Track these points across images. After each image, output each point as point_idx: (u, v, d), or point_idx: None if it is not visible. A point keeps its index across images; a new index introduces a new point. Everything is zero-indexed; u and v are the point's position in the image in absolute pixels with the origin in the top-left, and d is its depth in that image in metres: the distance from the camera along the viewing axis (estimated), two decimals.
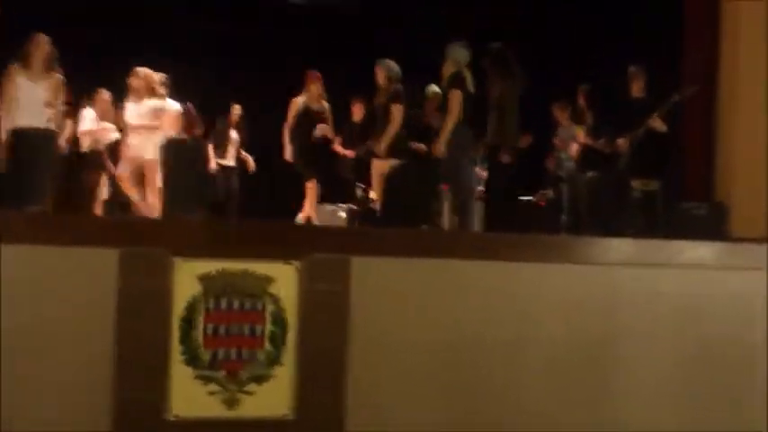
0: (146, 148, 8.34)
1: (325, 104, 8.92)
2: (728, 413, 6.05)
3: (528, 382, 5.83)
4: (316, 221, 8.10)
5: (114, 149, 9.18)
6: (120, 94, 8.96)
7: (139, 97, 8.49)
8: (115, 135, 9.12)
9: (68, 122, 8.99)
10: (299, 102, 8.85)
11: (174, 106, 8.73)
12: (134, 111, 8.49)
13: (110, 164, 9.14)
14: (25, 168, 6.64)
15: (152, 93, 8.48)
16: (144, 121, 8.44)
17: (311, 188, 8.67)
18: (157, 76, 8.57)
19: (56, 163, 7.60)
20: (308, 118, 8.79)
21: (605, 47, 9.64)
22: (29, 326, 5.22)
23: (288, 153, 8.87)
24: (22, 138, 6.90)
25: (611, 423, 5.89)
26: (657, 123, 7.78)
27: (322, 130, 8.80)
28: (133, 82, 8.50)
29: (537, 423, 5.80)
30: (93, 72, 9.34)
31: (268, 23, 10.82)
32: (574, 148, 8.83)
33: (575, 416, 5.87)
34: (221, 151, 9.84)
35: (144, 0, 10.60)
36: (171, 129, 8.68)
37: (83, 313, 5.29)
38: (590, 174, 8.09)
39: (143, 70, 8.54)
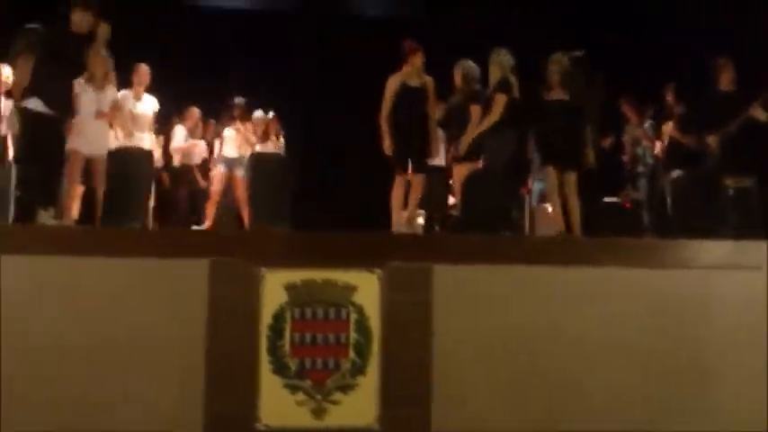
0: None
1: (427, 79, 7.75)
2: None
3: (616, 388, 5.76)
4: (416, 222, 8.02)
5: (204, 165, 9.52)
6: (208, 112, 9.36)
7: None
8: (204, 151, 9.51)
9: (160, 139, 9.35)
10: (395, 81, 7.68)
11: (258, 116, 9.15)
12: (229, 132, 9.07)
13: (200, 179, 9.46)
14: (123, 186, 6.91)
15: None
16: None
17: (416, 181, 7.68)
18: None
19: (151, 180, 7.89)
20: (409, 97, 7.65)
21: (685, 40, 9.43)
22: (123, 337, 5.46)
23: (386, 144, 7.61)
24: (119, 157, 7.18)
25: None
26: (758, 113, 7.51)
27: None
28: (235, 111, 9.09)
29: (627, 430, 5.72)
30: (184, 90, 9.67)
31: (340, 35, 10.91)
32: (657, 146, 8.68)
33: (667, 422, 5.76)
34: None
35: (231, 22, 10.88)
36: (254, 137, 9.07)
37: (174, 323, 5.50)
38: (676, 172, 7.92)
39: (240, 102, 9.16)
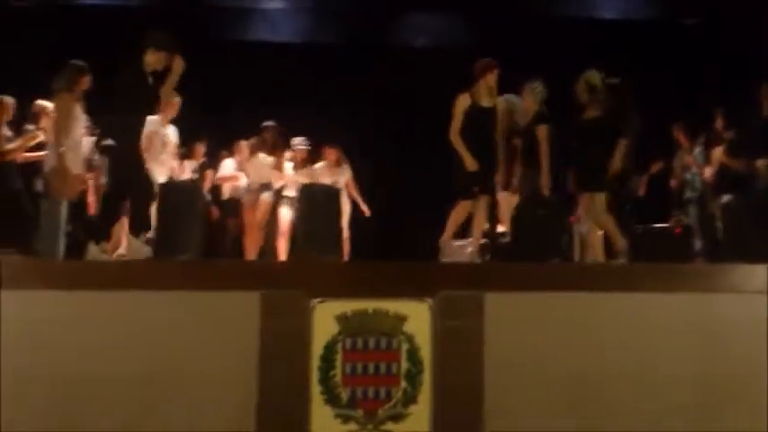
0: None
1: (498, 99, 7.53)
2: None
3: (667, 418, 5.69)
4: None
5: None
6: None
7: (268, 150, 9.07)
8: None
9: (210, 172, 9.48)
10: (465, 100, 7.34)
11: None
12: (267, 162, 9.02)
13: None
14: (174, 218, 7.01)
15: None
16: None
17: (483, 205, 7.39)
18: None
19: (201, 212, 7.99)
20: (479, 118, 7.34)
21: (735, 66, 9.40)
22: (175, 370, 5.54)
23: (468, 161, 7.22)
24: (169, 189, 7.30)
25: None
26: None
27: None
28: (266, 136, 9.00)
29: None
30: (228, 123, 9.82)
31: (387, 65, 10.99)
32: (706, 171, 8.61)
33: None
34: None
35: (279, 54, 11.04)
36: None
37: (226, 356, 5.56)
38: (726, 197, 7.84)
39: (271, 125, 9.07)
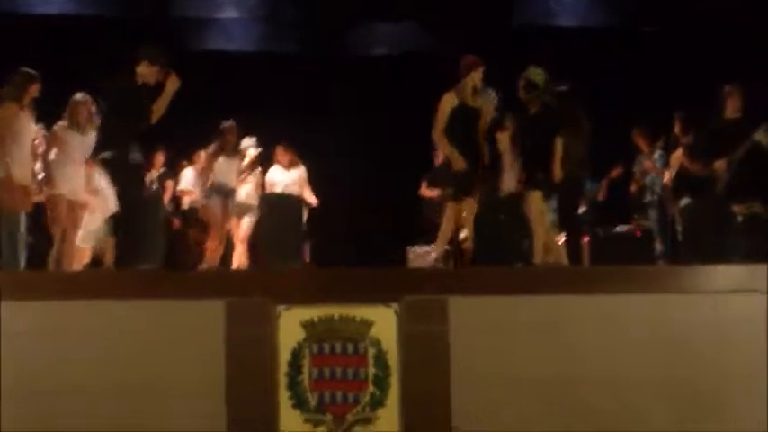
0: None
1: (485, 97, 7.38)
2: None
3: (630, 414, 5.72)
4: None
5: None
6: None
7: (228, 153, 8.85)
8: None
9: (169, 183, 9.41)
10: (451, 99, 7.19)
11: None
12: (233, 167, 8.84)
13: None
14: (136, 229, 6.94)
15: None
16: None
17: (470, 206, 7.29)
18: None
19: (162, 222, 7.94)
20: (466, 118, 7.21)
21: (690, 72, 9.56)
22: (140, 379, 5.49)
23: (456, 159, 7.14)
24: (130, 201, 7.23)
25: None
26: (763, 138, 7.55)
27: None
28: (228, 137, 8.80)
29: None
30: (186, 133, 9.73)
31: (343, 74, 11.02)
32: (666, 175, 8.74)
33: None
34: None
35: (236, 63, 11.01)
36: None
37: (192, 364, 5.53)
38: (685, 200, 7.96)
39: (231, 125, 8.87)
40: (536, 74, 7.25)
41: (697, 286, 5.97)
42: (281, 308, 5.64)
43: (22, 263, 6.92)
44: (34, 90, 6.94)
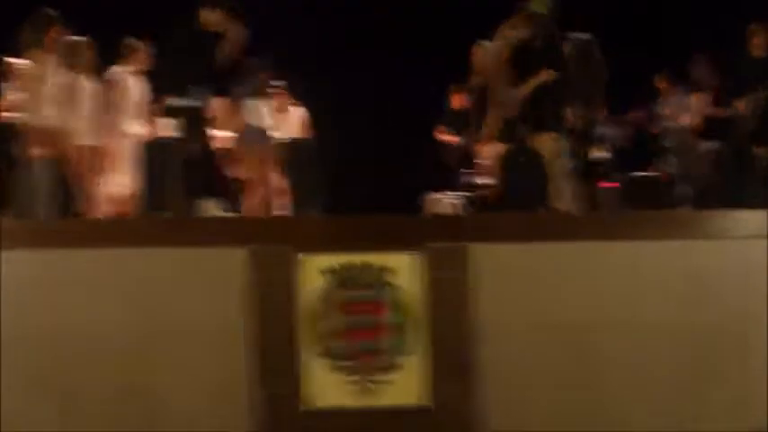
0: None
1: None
2: None
3: (655, 366, 5.75)
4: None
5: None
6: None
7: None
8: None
9: None
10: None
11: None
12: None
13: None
14: (154, 176, 6.96)
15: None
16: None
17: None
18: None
19: (181, 168, 7.89)
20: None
21: (713, 9, 9.38)
22: (166, 328, 5.54)
23: None
24: (153, 146, 7.22)
25: (742, 411, 5.70)
26: None
27: None
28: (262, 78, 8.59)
29: (662, 406, 5.70)
30: None
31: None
32: (686, 119, 8.63)
33: (711, 395, 5.75)
34: None
35: None
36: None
37: (214, 312, 5.56)
38: (709, 144, 7.87)
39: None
40: (538, 3, 7.08)
41: (722, 232, 5.92)
42: (302, 255, 5.65)
43: (44, 212, 6.95)
44: (56, 32, 6.78)
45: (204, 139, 6.90)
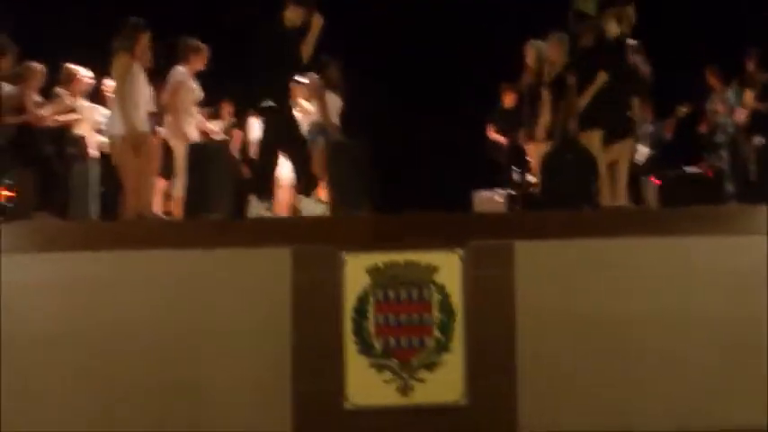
0: None
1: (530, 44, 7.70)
2: None
3: (698, 360, 5.70)
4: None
5: None
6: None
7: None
8: None
9: (237, 132, 9.48)
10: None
11: None
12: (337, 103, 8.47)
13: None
14: (205, 178, 7.03)
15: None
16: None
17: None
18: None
19: (230, 172, 7.98)
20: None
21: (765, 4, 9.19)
22: (212, 327, 5.62)
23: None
24: (199, 150, 7.30)
25: None
26: None
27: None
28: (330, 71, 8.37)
29: (705, 402, 5.65)
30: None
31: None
32: (739, 114, 8.49)
33: (747, 393, 5.66)
34: None
35: None
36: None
37: (260, 311, 5.64)
38: (759, 139, 7.73)
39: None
40: (584, 3, 7.07)
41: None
42: (346, 254, 5.69)
43: (95, 212, 7.10)
44: (144, 39, 6.91)
45: (289, 138, 6.98)
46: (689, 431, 5.55)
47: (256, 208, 6.74)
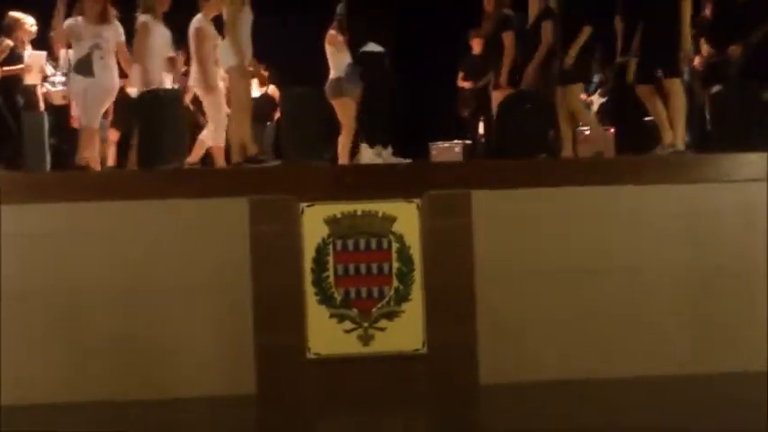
0: None
1: None
2: None
3: (660, 309, 5.78)
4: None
5: None
6: None
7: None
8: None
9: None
10: None
11: None
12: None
13: None
14: (157, 127, 6.92)
15: None
16: None
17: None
18: None
19: (183, 120, 7.86)
20: None
21: None
22: (167, 278, 5.58)
23: None
24: (150, 98, 7.17)
25: (745, 352, 5.70)
26: None
27: None
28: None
29: (661, 348, 5.75)
30: None
31: None
32: (695, 62, 8.53)
33: (714, 337, 5.80)
34: None
35: None
36: None
37: (218, 262, 5.60)
38: (716, 87, 7.77)
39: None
40: None
41: (722, 175, 5.92)
42: (304, 205, 5.66)
43: (47, 164, 6.97)
44: (164, 1, 7.06)
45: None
46: (649, 375, 5.64)
47: (369, 154, 6.65)
